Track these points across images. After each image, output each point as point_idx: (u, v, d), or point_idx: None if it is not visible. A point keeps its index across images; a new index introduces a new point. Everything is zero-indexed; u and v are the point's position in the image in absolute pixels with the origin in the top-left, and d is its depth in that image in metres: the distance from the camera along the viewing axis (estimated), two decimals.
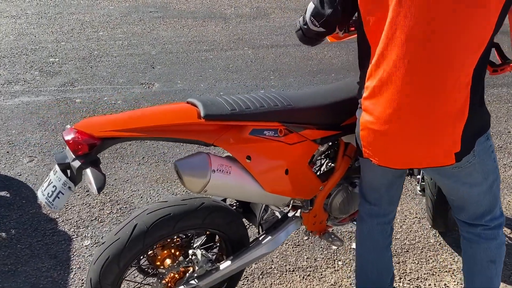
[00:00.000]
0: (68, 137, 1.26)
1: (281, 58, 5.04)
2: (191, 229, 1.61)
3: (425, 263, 2.30)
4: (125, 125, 1.29)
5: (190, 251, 1.67)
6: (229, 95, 1.53)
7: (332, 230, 2.15)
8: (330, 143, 1.76)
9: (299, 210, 1.89)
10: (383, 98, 1.35)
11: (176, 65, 4.73)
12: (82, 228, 2.44)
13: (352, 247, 2.37)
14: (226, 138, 1.43)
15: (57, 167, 1.32)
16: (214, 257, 1.80)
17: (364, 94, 1.44)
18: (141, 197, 2.70)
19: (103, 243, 1.54)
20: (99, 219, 2.50)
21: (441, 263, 2.29)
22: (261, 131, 1.49)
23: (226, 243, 1.78)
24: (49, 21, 5.88)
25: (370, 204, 1.74)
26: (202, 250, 1.68)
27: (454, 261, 2.29)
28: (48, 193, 1.31)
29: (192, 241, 1.78)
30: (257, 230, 1.83)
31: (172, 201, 1.60)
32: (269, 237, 1.77)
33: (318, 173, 1.83)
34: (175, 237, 1.73)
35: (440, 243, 2.43)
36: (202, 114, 1.38)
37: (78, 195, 2.68)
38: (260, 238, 1.77)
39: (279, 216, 1.86)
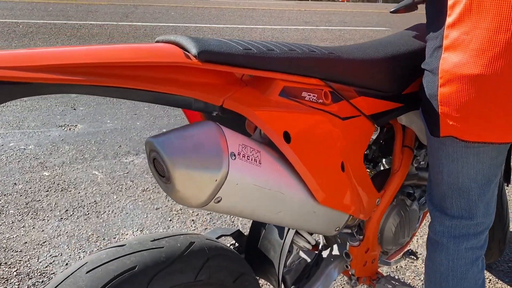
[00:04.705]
0: None
1: None
2: None
3: None
4: (39, 60, 0.56)
5: None
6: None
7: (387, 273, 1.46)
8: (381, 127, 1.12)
9: (335, 247, 1.19)
10: (487, 13, 0.80)
11: (103, 105, 3.94)
12: None
13: None
14: (243, 97, 0.73)
15: None
16: None
17: (449, 19, 0.87)
18: (66, 264, 1.82)
19: None
20: None
21: None
22: (298, 92, 0.81)
23: None
24: None
25: (453, 218, 1.09)
26: None
27: None
28: None
29: None
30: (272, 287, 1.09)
31: (135, 243, 0.84)
32: None
33: None
34: None
35: (491, 280, 1.81)
36: (193, 51, 0.68)
37: None
38: None
39: (308, 260, 1.15)
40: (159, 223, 2.14)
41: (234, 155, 0.67)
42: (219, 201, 0.68)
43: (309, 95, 0.83)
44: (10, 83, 0.54)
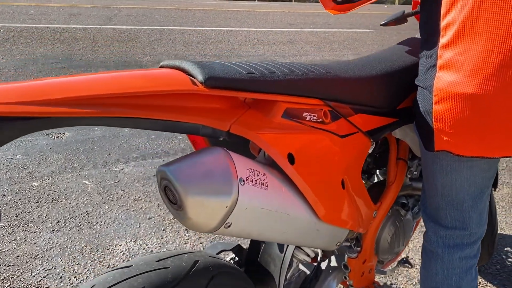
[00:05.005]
0: None
1: None
2: None
3: None
4: (52, 93, 0.56)
5: None
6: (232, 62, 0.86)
7: (382, 282, 1.49)
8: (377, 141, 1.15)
9: (333, 258, 1.21)
10: (480, 36, 0.83)
11: None
12: None
13: None
14: (248, 121, 0.75)
15: None
16: None
17: (442, 40, 0.90)
18: (60, 277, 1.82)
19: None
20: None
21: None
22: (299, 113, 0.83)
23: None
24: None
25: (447, 229, 1.12)
26: None
27: None
28: None
29: None
30: None
31: (141, 264, 0.84)
32: None
33: None
34: None
35: (480, 282, 1.86)
36: (200, 78, 0.69)
37: None
38: None
39: (308, 272, 1.17)
40: (152, 233, 2.14)
41: (243, 180, 0.69)
42: (229, 226, 0.70)
43: (310, 115, 0.85)
44: (25, 118, 0.54)
